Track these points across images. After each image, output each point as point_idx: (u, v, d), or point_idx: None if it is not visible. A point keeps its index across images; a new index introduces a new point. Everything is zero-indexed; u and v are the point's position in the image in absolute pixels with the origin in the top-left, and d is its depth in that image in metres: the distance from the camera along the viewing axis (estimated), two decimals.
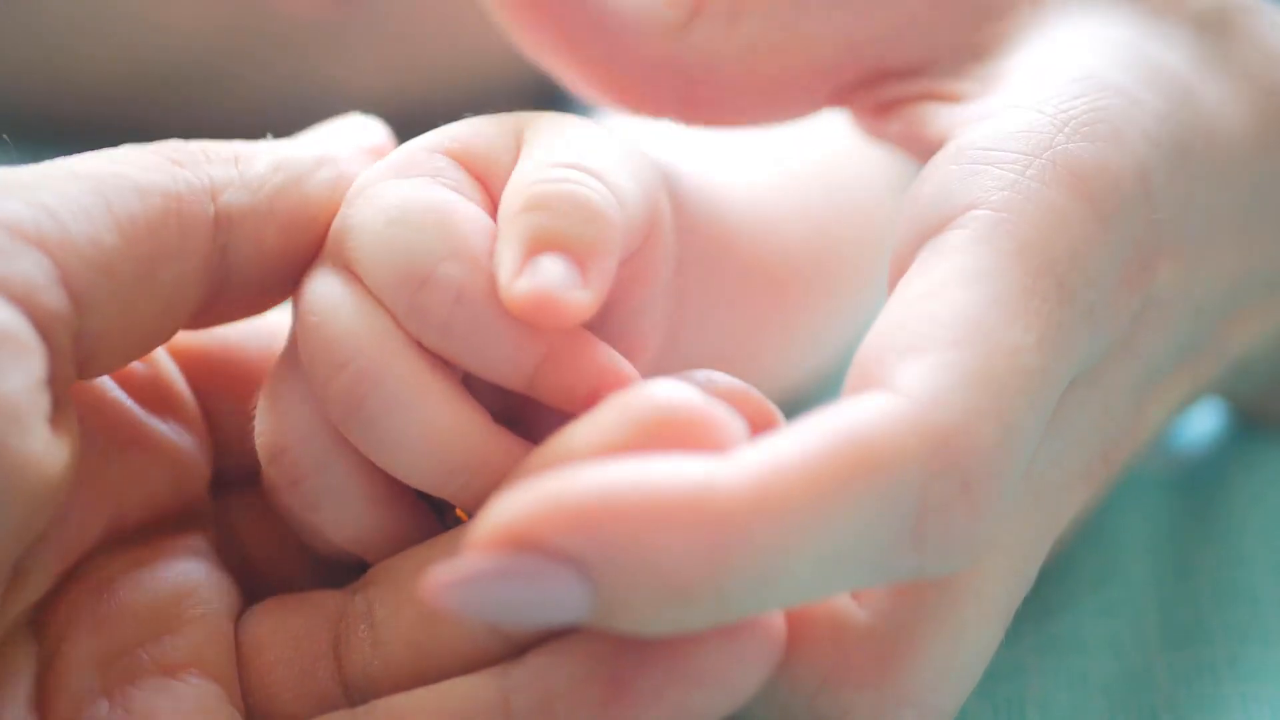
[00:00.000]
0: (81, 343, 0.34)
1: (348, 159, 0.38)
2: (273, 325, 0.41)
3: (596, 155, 0.36)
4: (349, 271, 0.36)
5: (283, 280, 0.37)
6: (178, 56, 0.75)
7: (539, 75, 0.80)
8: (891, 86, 0.41)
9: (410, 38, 0.77)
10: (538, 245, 0.34)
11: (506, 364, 0.35)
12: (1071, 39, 0.39)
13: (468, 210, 0.36)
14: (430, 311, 0.34)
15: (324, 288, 0.36)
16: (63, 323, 0.33)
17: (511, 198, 0.35)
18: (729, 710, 0.32)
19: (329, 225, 0.37)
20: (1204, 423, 0.53)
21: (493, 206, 0.37)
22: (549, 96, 0.79)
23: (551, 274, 0.33)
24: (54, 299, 0.33)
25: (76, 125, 0.75)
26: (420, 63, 0.77)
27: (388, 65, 0.77)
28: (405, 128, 0.42)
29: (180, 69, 0.75)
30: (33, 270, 0.32)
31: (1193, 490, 0.50)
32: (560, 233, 0.34)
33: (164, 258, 0.35)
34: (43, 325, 0.33)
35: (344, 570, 0.38)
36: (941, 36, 0.41)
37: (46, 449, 0.32)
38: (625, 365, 0.36)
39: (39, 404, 0.32)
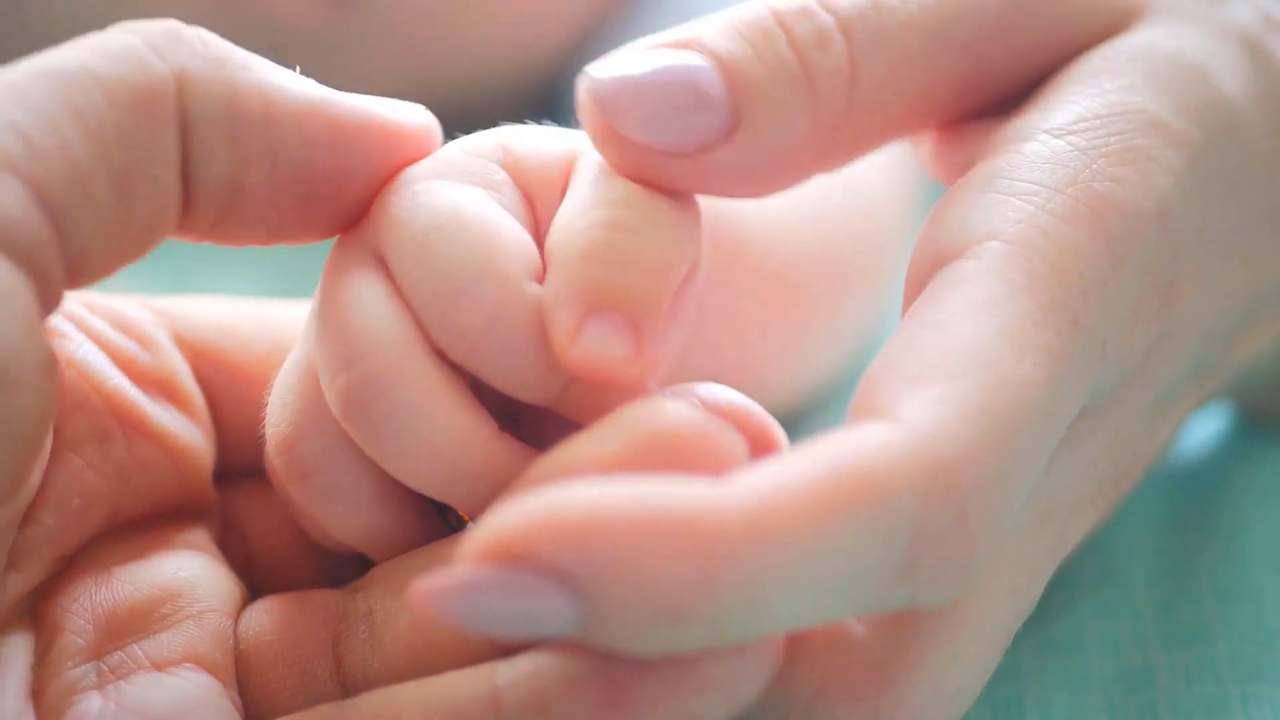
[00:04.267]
0: (67, 257, 0.33)
1: (353, 119, 0.36)
2: (280, 320, 0.41)
3: (653, 195, 0.35)
4: (381, 264, 0.35)
5: (238, 212, 0.36)
6: None
7: (538, 80, 0.80)
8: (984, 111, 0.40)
9: (409, 44, 0.76)
10: (596, 304, 0.33)
11: (533, 384, 0.35)
12: (1135, 53, 0.39)
13: (514, 230, 0.35)
14: (462, 328, 0.34)
15: (351, 276, 0.35)
16: (47, 247, 0.32)
17: (573, 235, 0.34)
18: (728, 717, 0.32)
19: (300, 168, 0.36)
20: (1205, 424, 0.52)
21: (536, 226, 0.36)
22: (548, 102, 0.79)
23: (609, 343, 0.33)
24: (34, 227, 0.32)
25: None
26: (419, 69, 0.77)
27: (386, 72, 0.77)
28: None
29: None
30: (8, 201, 0.32)
31: (1193, 490, 0.50)
32: (620, 292, 0.33)
33: (137, 164, 0.34)
34: (26, 258, 0.32)
35: (346, 567, 0.38)
36: (1055, 65, 0.40)
37: (37, 397, 0.32)
38: (651, 386, 0.35)
39: (30, 350, 0.32)
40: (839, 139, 0.37)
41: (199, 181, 0.35)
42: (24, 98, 0.33)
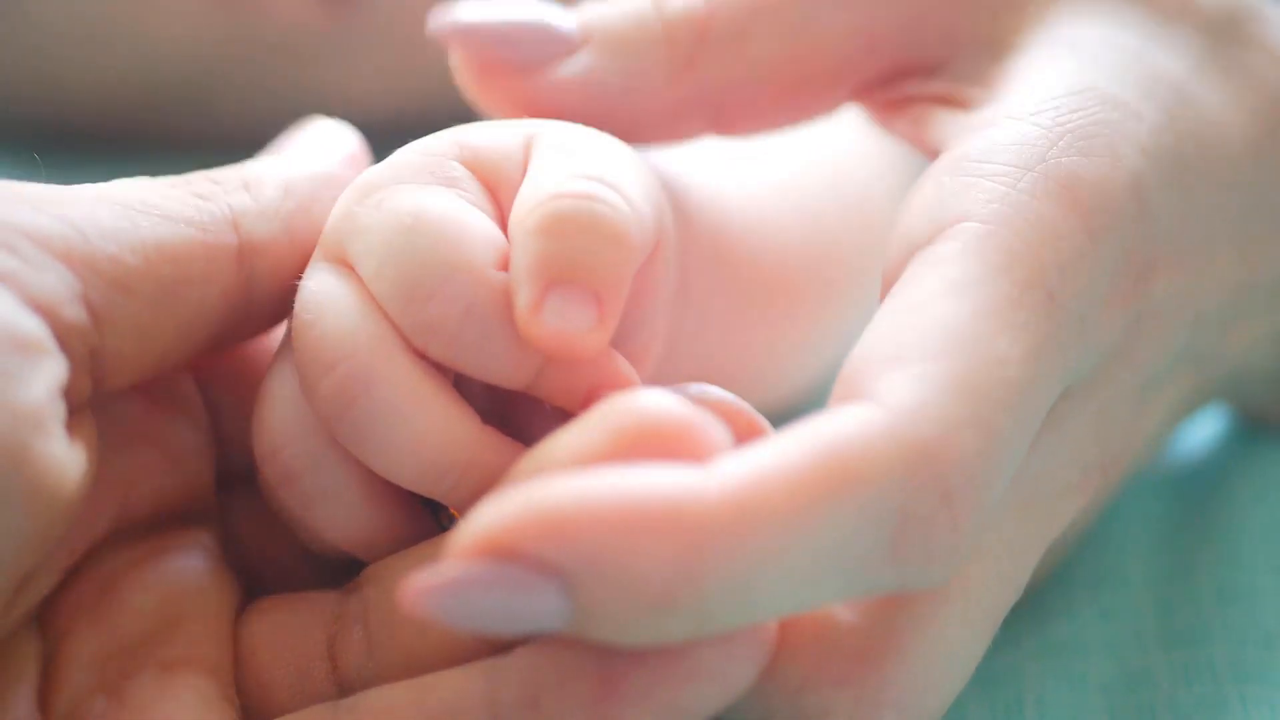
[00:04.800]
0: (98, 359, 0.34)
1: (343, 176, 0.39)
2: (280, 326, 0.41)
3: (610, 165, 0.36)
4: (349, 271, 0.36)
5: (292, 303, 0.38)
6: (173, 67, 0.75)
7: None
8: (910, 84, 0.41)
9: (406, 44, 0.76)
10: (555, 276, 0.34)
11: (510, 369, 0.35)
12: (1077, 43, 0.39)
13: (480, 222, 0.36)
14: (439, 325, 0.34)
15: (320, 285, 0.36)
16: (82, 337, 0.34)
17: (528, 211, 0.35)
18: (720, 707, 0.32)
19: None
20: (1203, 424, 0.52)
21: (501, 216, 0.37)
22: None
23: (570, 315, 0.33)
24: (75, 313, 0.33)
25: (73, 136, 0.75)
26: (417, 69, 0.77)
27: (384, 72, 0.77)
28: (403, 133, 0.42)
29: (176, 79, 0.75)
30: (57, 284, 0.33)
31: (1192, 491, 0.50)
32: (578, 263, 0.34)
33: (187, 283, 0.35)
34: (63, 337, 0.33)
35: (343, 568, 0.38)
36: (957, 31, 0.41)
37: (67, 455, 0.32)
38: (624, 365, 0.36)
39: (58, 411, 0.32)
40: (702, 81, 0.40)
41: (268, 287, 0.37)
42: (88, 210, 0.35)
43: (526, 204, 0.35)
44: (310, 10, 0.73)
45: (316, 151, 0.40)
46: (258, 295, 0.37)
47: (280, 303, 0.38)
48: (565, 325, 0.33)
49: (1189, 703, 0.42)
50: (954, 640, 0.34)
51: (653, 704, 0.31)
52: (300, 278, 0.37)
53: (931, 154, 0.39)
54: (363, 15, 0.74)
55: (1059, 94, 0.38)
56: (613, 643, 0.31)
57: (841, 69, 0.41)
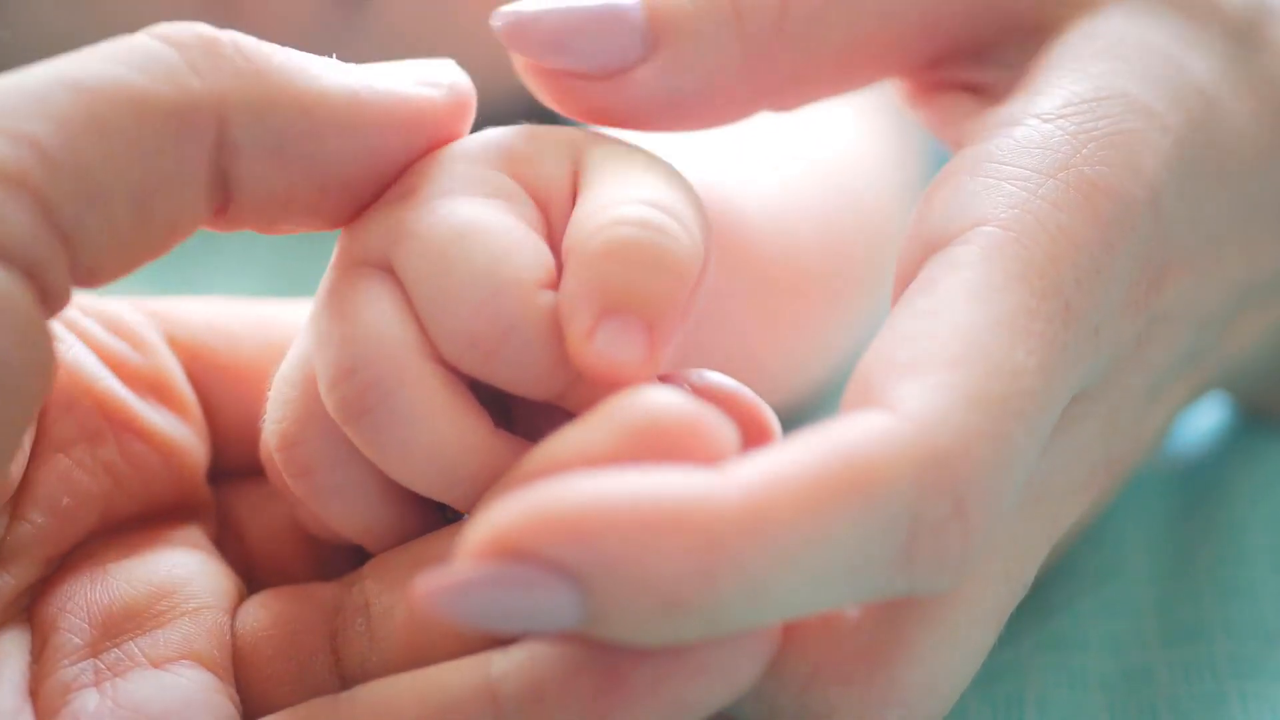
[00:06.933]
0: (77, 268, 0.33)
1: (388, 112, 0.36)
2: (274, 320, 0.41)
3: (669, 191, 0.36)
4: (389, 275, 0.35)
5: (288, 216, 0.36)
6: None
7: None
8: (954, 67, 0.41)
9: (413, 45, 0.76)
10: (613, 305, 0.33)
11: (542, 385, 0.35)
12: (1115, 42, 0.39)
13: (530, 240, 0.35)
14: (478, 340, 0.34)
15: (357, 286, 0.35)
16: (54, 262, 0.32)
17: (589, 234, 0.34)
18: (724, 703, 0.32)
19: (342, 167, 0.35)
20: (1205, 419, 0.52)
21: (550, 231, 0.36)
22: (547, 110, 0.79)
23: (622, 344, 0.33)
24: (41, 243, 0.32)
25: None
26: None
27: None
28: None
29: None
30: (14, 217, 0.31)
31: (1193, 487, 0.50)
32: (635, 293, 0.33)
33: (160, 184, 0.33)
34: (30, 271, 0.32)
35: (342, 561, 0.38)
36: (1016, 16, 0.40)
37: (26, 402, 0.32)
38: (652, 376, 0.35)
39: (22, 356, 0.31)
40: (775, 69, 0.38)
41: (248, 196, 0.35)
42: (46, 107, 0.32)
43: (587, 226, 0.34)
44: (316, 12, 0.72)
45: (406, 77, 0.37)
46: (236, 194, 0.35)
47: (265, 209, 0.35)
48: (616, 354, 0.33)
49: (1189, 699, 0.42)
50: (960, 640, 0.34)
51: (658, 699, 0.31)
52: (291, 198, 0.35)
53: (953, 145, 0.38)
54: (368, 17, 0.74)
55: (1088, 97, 0.37)
56: (624, 642, 0.31)
57: (904, 50, 0.40)
